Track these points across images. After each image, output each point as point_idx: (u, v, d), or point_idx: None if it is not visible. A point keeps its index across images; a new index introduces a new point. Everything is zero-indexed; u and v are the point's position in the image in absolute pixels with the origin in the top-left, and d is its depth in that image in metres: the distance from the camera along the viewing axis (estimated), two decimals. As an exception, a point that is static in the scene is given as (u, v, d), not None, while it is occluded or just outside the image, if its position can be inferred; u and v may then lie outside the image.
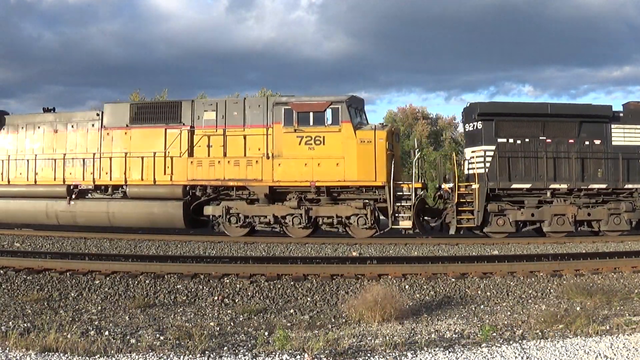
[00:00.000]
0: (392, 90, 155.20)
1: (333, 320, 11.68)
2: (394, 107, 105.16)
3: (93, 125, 28.97)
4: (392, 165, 25.64)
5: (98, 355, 8.65)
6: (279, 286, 14.84)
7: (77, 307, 12.94)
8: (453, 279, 15.48)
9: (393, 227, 25.76)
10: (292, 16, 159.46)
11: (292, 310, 12.74)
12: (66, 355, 8.62)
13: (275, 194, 26.70)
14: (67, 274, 15.89)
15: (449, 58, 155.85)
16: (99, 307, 12.90)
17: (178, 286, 14.75)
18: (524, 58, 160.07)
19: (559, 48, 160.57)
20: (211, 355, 8.71)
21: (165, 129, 27.70)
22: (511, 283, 15.42)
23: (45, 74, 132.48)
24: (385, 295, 11.47)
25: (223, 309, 12.90)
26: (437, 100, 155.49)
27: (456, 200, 26.07)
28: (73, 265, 16.77)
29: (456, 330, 10.15)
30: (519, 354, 8.59)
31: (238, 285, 14.81)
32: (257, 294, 14.30)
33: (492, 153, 26.39)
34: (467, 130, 28.17)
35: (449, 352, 8.71)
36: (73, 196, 28.56)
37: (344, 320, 11.54)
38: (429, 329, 10.32)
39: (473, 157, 26.93)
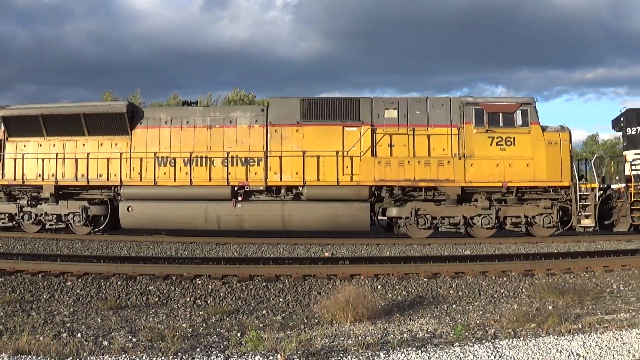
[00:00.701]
0: (366, 90, 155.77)
1: (305, 320, 11.65)
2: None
3: (256, 121, 27.43)
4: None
5: (70, 358, 8.58)
6: (251, 287, 14.78)
7: (49, 309, 12.80)
8: (425, 279, 15.53)
9: (578, 225, 26.27)
10: (267, 16, 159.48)
11: (264, 311, 12.69)
12: (39, 357, 8.54)
13: (462, 195, 26.51)
14: (39, 275, 15.77)
15: (423, 59, 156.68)
16: (71, 309, 12.75)
17: (150, 287, 14.66)
18: (498, 59, 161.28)
19: (533, 50, 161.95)
20: (184, 356, 8.67)
21: (343, 127, 26.80)
22: (483, 283, 15.48)
23: (19, 73, 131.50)
24: (357, 295, 11.47)
25: (195, 310, 12.82)
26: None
27: (632, 199, 26.75)
28: (45, 266, 16.62)
29: (428, 330, 10.16)
30: (491, 353, 8.62)
31: (210, 286, 14.74)
32: (229, 295, 14.23)
33: None
34: (628, 134, 29.14)
35: (422, 351, 8.71)
36: (239, 198, 26.78)
37: (316, 320, 11.51)
38: (401, 328, 10.33)
39: (636, 159, 27.63)
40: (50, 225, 27.94)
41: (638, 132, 28.40)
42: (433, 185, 26.26)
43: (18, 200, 28.48)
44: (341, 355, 8.64)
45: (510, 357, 8.51)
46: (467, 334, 9.81)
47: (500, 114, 26.26)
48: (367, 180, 26.16)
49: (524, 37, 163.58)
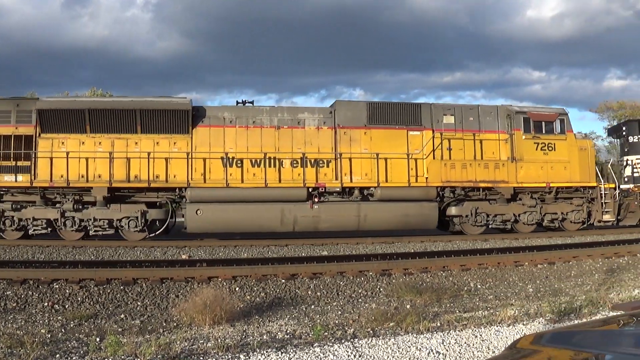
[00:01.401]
0: (224, 91, 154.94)
1: (164, 324, 11.36)
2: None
3: (324, 122, 27.47)
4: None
5: None
6: (109, 291, 14.29)
7: None
8: (283, 280, 15.42)
9: (602, 220, 29.74)
10: (127, 14, 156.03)
11: (122, 315, 12.32)
12: None
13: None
14: None
15: (282, 60, 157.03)
16: None
17: (7, 292, 14.01)
18: (356, 62, 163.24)
19: (391, 53, 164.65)
20: (41, 363, 8.32)
21: (407, 131, 27.82)
22: (341, 283, 15.51)
23: None
24: (215, 298, 11.26)
25: (54, 315, 12.31)
26: (270, 103, 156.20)
27: None
28: None
29: (288, 331, 10.06)
30: (351, 353, 8.57)
31: (68, 291, 14.16)
32: (87, 299, 13.73)
33: None
34: (630, 141, 33.24)
35: (282, 352, 8.60)
36: (315, 199, 26.48)
37: (175, 324, 11.23)
38: (260, 330, 10.18)
39: (638, 163, 32.37)
40: (95, 231, 25.42)
41: (639, 140, 32.90)
42: (491, 186, 28.43)
43: (60, 205, 25.39)
44: (201, 358, 8.43)
45: (370, 356, 8.47)
46: (326, 334, 9.75)
47: (543, 122, 29.16)
48: (435, 181, 27.65)
49: (382, 40, 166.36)
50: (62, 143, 25.54)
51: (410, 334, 9.59)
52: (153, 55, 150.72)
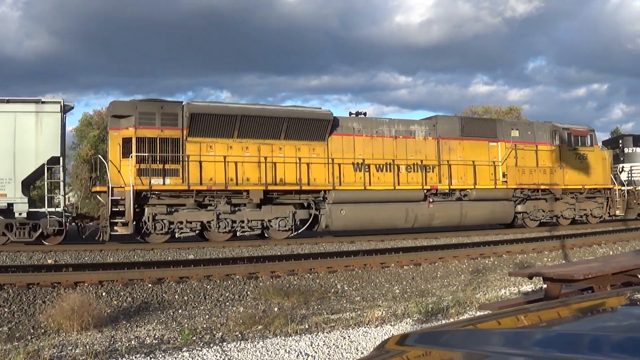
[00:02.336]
0: (90, 92, 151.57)
1: (32, 331, 11.08)
2: (90, 109, 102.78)
3: (429, 134, 31.96)
4: None
5: None
6: (-27, 297, 13.89)
7: None
8: (150, 285, 15.25)
9: (615, 214, 37.69)
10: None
11: (-11, 322, 11.99)
12: None
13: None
14: None
15: (151, 62, 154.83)
16: None
17: None
18: (225, 64, 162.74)
19: (260, 56, 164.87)
20: None
21: (488, 142, 33.20)
22: (208, 287, 15.47)
23: None
24: (82, 303, 11.06)
25: None
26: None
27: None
28: None
29: (156, 336, 9.95)
30: (220, 357, 8.56)
31: None
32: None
33: None
34: (626, 152, 42.13)
35: (150, 357, 8.52)
36: (430, 200, 31.04)
37: (43, 330, 10.98)
38: (128, 335, 10.04)
39: (634, 169, 41.19)
40: (243, 232, 27.40)
41: (633, 151, 41.86)
42: (548, 188, 34.64)
43: (213, 207, 26.92)
44: (69, 364, 8.29)
45: (240, 360, 8.49)
46: (195, 338, 9.70)
47: (579, 137, 36.25)
48: (512, 184, 33.40)
49: (252, 43, 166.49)
50: (210, 147, 26.97)
51: (278, 336, 9.62)
52: (21, 55, 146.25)
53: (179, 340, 9.58)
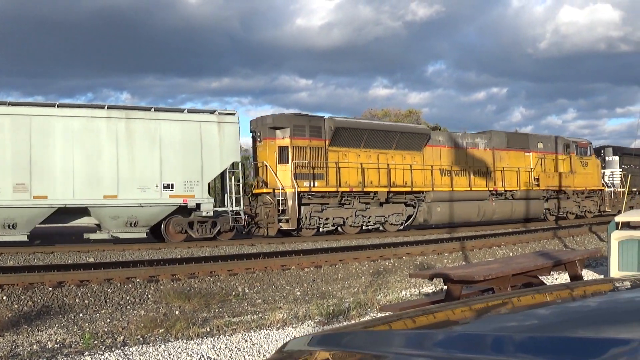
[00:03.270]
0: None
1: None
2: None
3: (487, 145, 39.49)
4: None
5: None
6: None
7: None
8: (50, 288, 14.96)
9: (605, 210, 45.76)
10: None
11: None
12: None
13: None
14: None
15: (48, 62, 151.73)
16: None
17: None
18: (124, 65, 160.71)
19: (160, 57, 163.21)
20: None
21: (524, 152, 41.20)
22: (109, 290, 15.28)
23: None
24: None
25: None
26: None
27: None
28: None
29: (58, 340, 9.77)
30: (122, 361, 8.47)
31: None
32: None
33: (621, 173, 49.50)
34: (607, 160, 50.15)
35: (52, 362, 8.40)
36: (492, 199, 38.55)
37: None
38: (30, 340, 9.84)
39: (614, 175, 49.54)
40: (367, 226, 33.45)
41: (612, 159, 50.43)
42: (564, 189, 42.64)
43: (352, 205, 32.38)
44: (-31, 371, 8.09)
45: (142, 364, 8.40)
46: (96, 342, 9.55)
47: (583, 148, 44.78)
48: (542, 186, 41.35)
49: (151, 44, 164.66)
50: (345, 155, 32.51)
51: (180, 340, 9.55)
52: None
53: (80, 344, 9.43)
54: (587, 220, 40.44)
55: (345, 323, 10.64)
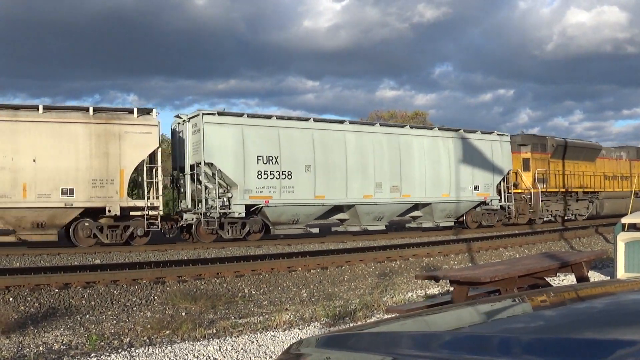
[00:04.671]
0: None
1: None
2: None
3: (625, 157, 50.58)
4: None
5: None
6: None
7: None
8: (57, 290, 14.95)
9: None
10: None
11: None
12: None
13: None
14: None
15: (55, 64, 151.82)
16: None
17: None
18: (131, 67, 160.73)
19: (166, 59, 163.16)
20: None
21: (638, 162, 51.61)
22: (115, 291, 15.25)
23: None
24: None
25: None
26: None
27: None
28: None
29: (64, 342, 9.78)
30: (128, 362, 8.48)
31: None
32: None
33: None
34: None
35: (58, 364, 8.41)
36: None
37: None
38: (36, 341, 9.85)
39: None
40: (568, 217, 44.48)
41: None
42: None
43: (562, 201, 43.88)
44: (-25, 372, 8.11)
45: (148, 365, 8.41)
46: (102, 343, 9.57)
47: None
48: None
49: (158, 46, 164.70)
50: (557, 164, 42.94)
51: (186, 341, 9.57)
52: None
53: (86, 345, 9.44)
54: (594, 222, 40.71)
55: (351, 324, 10.64)
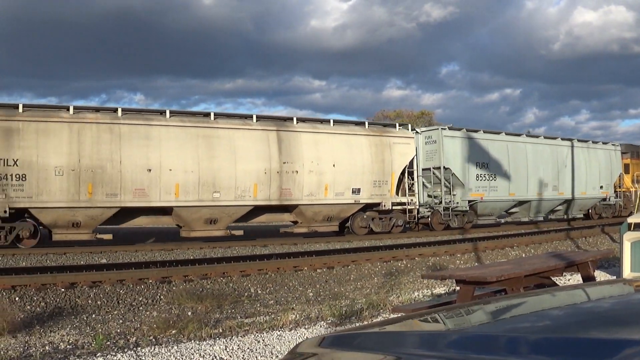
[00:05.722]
0: (3, 94, 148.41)
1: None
2: None
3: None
4: None
5: None
6: None
7: None
8: (63, 289, 14.94)
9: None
10: None
11: None
12: None
13: None
14: None
15: (61, 63, 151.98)
16: None
17: None
18: (138, 67, 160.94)
19: (173, 58, 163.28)
20: None
21: None
22: (121, 291, 15.24)
23: None
24: (-1, 308, 10.85)
25: None
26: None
27: None
28: None
29: (70, 341, 9.79)
30: (135, 362, 8.49)
31: None
32: None
33: None
34: None
35: (64, 363, 8.41)
36: None
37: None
38: (42, 341, 9.85)
39: None
40: None
41: None
42: None
43: None
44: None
45: (154, 365, 8.42)
46: (108, 343, 9.56)
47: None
48: None
49: (164, 45, 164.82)
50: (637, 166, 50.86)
51: (192, 341, 9.55)
52: None
53: (93, 345, 9.43)
54: (600, 221, 40.99)
55: (357, 324, 10.63)
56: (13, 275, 16.19)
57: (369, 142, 32.58)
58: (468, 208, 36.36)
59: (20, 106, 25.34)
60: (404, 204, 33.52)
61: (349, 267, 19.78)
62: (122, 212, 26.92)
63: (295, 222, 31.72)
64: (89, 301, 14.35)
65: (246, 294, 15.45)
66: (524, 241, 27.04)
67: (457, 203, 35.88)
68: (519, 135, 41.81)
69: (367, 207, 32.47)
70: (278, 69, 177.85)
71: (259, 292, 15.94)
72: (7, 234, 24.47)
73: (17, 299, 14.04)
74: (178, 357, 8.65)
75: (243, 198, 28.66)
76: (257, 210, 29.85)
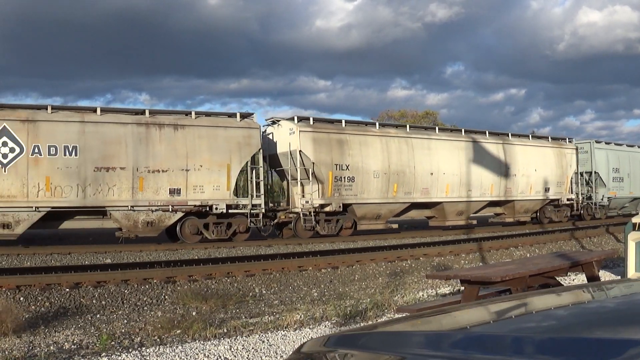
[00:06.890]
0: (9, 94, 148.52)
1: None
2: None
3: None
4: None
5: None
6: None
7: None
8: (67, 289, 14.94)
9: None
10: None
11: None
12: None
13: None
14: None
15: (67, 63, 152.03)
16: None
17: None
18: (143, 67, 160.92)
19: (178, 59, 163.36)
20: None
21: None
22: (125, 291, 15.24)
23: None
24: (4, 308, 10.84)
25: None
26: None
27: None
28: None
29: (74, 341, 9.81)
30: (139, 362, 8.50)
31: None
32: None
33: None
34: None
35: (69, 363, 8.43)
36: None
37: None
38: (47, 341, 9.87)
39: None
40: None
41: None
42: None
43: None
44: (-15, 373, 8.13)
45: (159, 365, 8.42)
46: (113, 343, 9.59)
47: None
48: None
49: (169, 45, 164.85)
50: None
51: (197, 340, 9.58)
52: None
53: (97, 345, 9.45)
54: (605, 221, 41.13)
55: (362, 324, 10.63)
56: (18, 275, 16.18)
57: (553, 152, 41.88)
58: (607, 203, 45.37)
59: (343, 122, 32.83)
60: (571, 199, 42.74)
61: (354, 267, 19.76)
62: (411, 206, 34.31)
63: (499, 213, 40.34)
64: (94, 301, 14.35)
65: (251, 293, 15.44)
66: (529, 241, 26.97)
67: (601, 199, 45.00)
68: (632, 146, 50.15)
69: (551, 202, 41.84)
70: (283, 69, 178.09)
71: (264, 292, 15.95)
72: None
73: (21, 298, 14.04)
74: (182, 357, 8.66)
75: (484, 195, 36.74)
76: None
